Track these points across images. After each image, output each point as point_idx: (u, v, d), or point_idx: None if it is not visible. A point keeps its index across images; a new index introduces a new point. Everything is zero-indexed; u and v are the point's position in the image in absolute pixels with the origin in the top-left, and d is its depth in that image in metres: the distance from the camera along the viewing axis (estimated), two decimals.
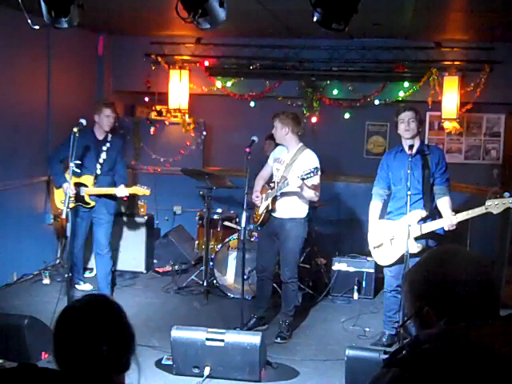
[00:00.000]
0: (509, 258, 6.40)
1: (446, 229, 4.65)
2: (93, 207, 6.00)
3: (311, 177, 4.78)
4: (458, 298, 1.51)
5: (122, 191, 5.87)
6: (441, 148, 5.09)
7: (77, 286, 6.33)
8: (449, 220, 4.59)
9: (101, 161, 5.93)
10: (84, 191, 5.92)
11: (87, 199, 5.95)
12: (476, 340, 1.41)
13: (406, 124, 4.74)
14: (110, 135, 6.02)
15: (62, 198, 5.70)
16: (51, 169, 6.19)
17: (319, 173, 4.85)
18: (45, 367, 1.82)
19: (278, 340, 5.23)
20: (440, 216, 4.76)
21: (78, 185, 5.85)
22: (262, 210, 5.34)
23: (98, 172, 5.94)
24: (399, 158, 4.87)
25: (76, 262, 6.29)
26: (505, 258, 6.41)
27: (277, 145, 6.82)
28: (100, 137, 5.97)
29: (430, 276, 1.57)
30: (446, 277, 1.53)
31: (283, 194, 5.18)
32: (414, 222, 4.69)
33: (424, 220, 4.73)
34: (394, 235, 4.84)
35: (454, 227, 4.62)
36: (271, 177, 5.46)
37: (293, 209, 5.22)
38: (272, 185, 5.32)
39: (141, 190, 5.95)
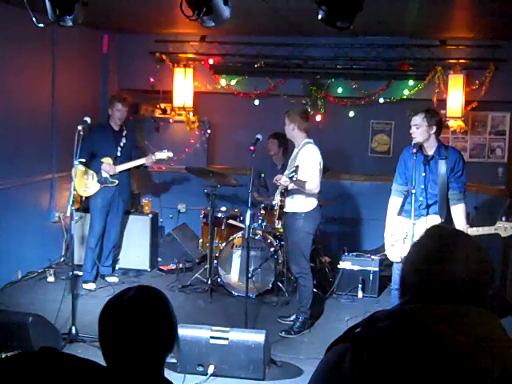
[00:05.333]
0: None
1: None
2: (117, 185, 6.40)
3: (295, 174, 4.96)
4: (449, 294, 1.50)
5: (149, 159, 6.42)
6: (459, 151, 5.01)
7: (84, 284, 6.36)
8: None
9: (121, 144, 6.40)
10: (105, 173, 6.32)
11: (110, 178, 6.36)
12: (421, 321, 1.44)
13: (413, 129, 4.70)
14: (124, 128, 6.48)
15: (83, 184, 6.29)
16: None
17: (298, 170, 5.04)
18: (67, 353, 1.83)
19: (282, 334, 5.29)
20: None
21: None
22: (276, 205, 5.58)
23: (119, 154, 6.38)
24: (413, 158, 4.79)
25: (88, 259, 6.44)
26: (509, 257, 6.40)
27: (280, 144, 6.87)
28: (116, 128, 6.41)
29: (425, 272, 1.54)
30: (443, 277, 1.51)
31: (288, 190, 5.30)
32: (424, 225, 4.68)
33: None
34: (407, 233, 4.84)
35: None
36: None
37: (296, 203, 5.30)
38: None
39: (164, 154, 6.52)
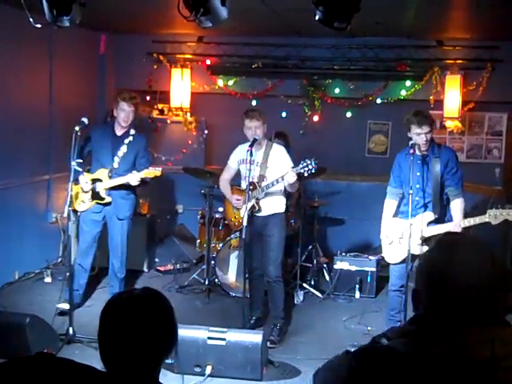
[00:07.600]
0: (511, 255, 6.40)
1: None
2: (109, 203, 5.57)
3: (309, 169, 4.76)
4: (455, 303, 1.47)
5: (133, 177, 5.34)
6: (452, 149, 5.09)
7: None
8: (453, 227, 4.60)
9: (120, 154, 5.52)
10: (99, 186, 5.51)
11: (102, 194, 5.53)
12: (427, 343, 1.42)
13: (424, 138, 4.68)
14: (132, 132, 5.59)
15: (79, 198, 5.57)
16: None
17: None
18: (64, 358, 1.81)
19: (269, 344, 4.90)
20: (450, 220, 4.78)
21: (93, 181, 5.54)
22: (244, 211, 4.99)
23: (116, 166, 5.52)
24: (408, 159, 4.79)
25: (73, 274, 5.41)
26: (507, 255, 6.41)
27: (285, 145, 6.81)
28: (119, 133, 5.57)
29: (430, 277, 1.53)
30: (445, 281, 1.49)
31: (265, 193, 5.14)
32: (419, 223, 4.70)
33: (433, 223, 4.75)
34: (403, 234, 4.86)
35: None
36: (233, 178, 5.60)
37: (274, 205, 5.22)
38: (251, 186, 5.11)
39: (151, 172, 5.40)
